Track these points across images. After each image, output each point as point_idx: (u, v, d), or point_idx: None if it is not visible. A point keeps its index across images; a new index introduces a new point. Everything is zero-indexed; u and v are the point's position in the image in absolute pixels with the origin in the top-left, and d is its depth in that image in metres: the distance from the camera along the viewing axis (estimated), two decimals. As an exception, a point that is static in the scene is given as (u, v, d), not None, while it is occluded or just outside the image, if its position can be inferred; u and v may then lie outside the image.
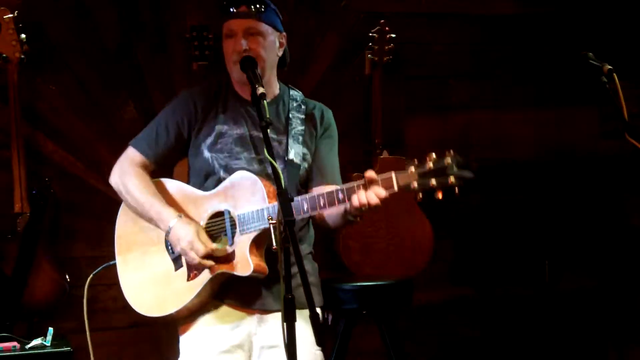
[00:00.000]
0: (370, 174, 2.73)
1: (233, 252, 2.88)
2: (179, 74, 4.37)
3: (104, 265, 3.12)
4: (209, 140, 2.99)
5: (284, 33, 3.05)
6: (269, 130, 2.72)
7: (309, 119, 3.06)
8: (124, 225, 3.07)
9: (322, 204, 2.78)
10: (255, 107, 2.77)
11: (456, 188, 2.63)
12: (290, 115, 3.04)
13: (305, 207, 2.80)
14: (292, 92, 3.12)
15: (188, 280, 2.94)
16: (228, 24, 2.97)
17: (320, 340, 2.50)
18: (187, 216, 2.96)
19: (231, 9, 2.95)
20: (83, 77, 4.30)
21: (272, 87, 3.06)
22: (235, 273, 2.86)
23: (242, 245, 2.85)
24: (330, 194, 2.77)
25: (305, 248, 3.04)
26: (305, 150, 3.02)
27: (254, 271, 2.83)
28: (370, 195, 2.70)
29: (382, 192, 2.70)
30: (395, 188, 2.70)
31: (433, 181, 2.64)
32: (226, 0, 2.97)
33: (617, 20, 4.99)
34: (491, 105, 4.97)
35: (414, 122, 4.81)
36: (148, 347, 4.34)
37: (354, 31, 4.65)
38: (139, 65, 4.38)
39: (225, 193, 2.93)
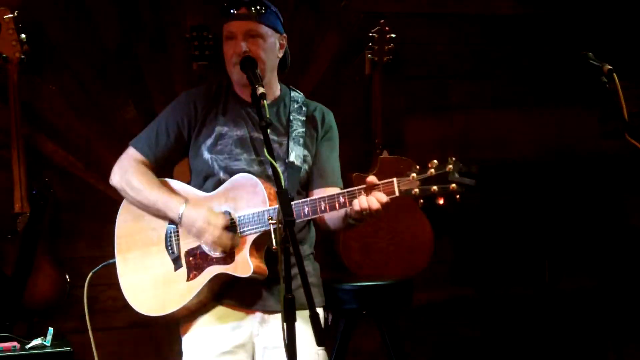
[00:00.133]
0: (371, 178, 2.74)
1: (233, 253, 2.88)
2: (179, 74, 4.37)
3: (103, 264, 3.11)
4: (209, 141, 2.99)
5: (285, 35, 3.04)
6: (269, 132, 2.72)
7: (309, 121, 3.06)
8: (124, 225, 3.07)
9: (323, 208, 2.79)
10: (255, 107, 2.77)
11: (457, 195, 2.64)
12: (291, 117, 3.04)
13: (307, 210, 2.80)
14: (293, 93, 3.11)
15: (188, 280, 2.94)
16: (228, 26, 2.96)
17: (320, 341, 2.50)
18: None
19: (231, 11, 2.94)
20: (83, 77, 4.29)
21: (273, 88, 3.06)
22: (235, 274, 2.86)
23: (242, 247, 2.86)
24: (331, 197, 2.78)
25: (307, 249, 3.04)
26: (305, 152, 3.02)
27: (253, 272, 2.83)
28: (372, 200, 2.71)
29: (384, 197, 2.71)
30: (397, 193, 2.71)
31: (434, 187, 2.65)
32: (226, 2, 2.96)
33: (617, 20, 4.99)
34: (491, 105, 4.97)
35: (414, 122, 4.80)
36: (148, 347, 4.34)
37: (354, 31, 4.65)
38: (139, 65, 4.37)
39: (226, 194, 2.92)
